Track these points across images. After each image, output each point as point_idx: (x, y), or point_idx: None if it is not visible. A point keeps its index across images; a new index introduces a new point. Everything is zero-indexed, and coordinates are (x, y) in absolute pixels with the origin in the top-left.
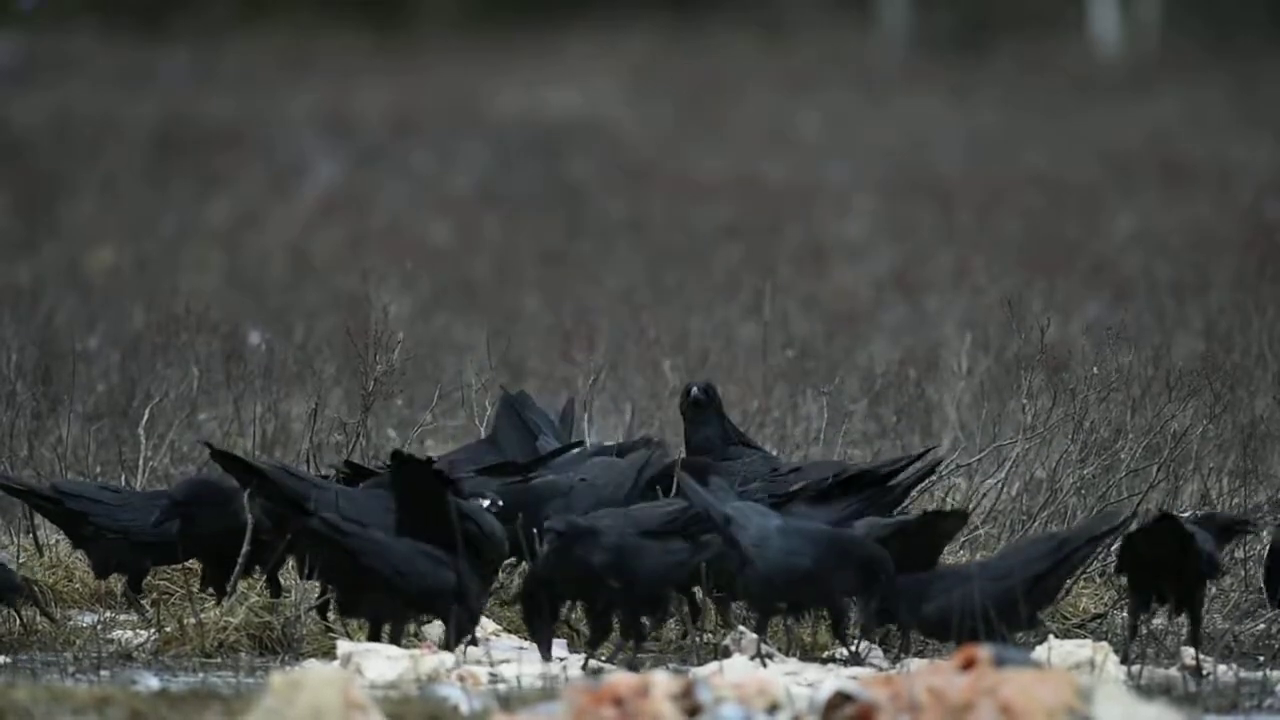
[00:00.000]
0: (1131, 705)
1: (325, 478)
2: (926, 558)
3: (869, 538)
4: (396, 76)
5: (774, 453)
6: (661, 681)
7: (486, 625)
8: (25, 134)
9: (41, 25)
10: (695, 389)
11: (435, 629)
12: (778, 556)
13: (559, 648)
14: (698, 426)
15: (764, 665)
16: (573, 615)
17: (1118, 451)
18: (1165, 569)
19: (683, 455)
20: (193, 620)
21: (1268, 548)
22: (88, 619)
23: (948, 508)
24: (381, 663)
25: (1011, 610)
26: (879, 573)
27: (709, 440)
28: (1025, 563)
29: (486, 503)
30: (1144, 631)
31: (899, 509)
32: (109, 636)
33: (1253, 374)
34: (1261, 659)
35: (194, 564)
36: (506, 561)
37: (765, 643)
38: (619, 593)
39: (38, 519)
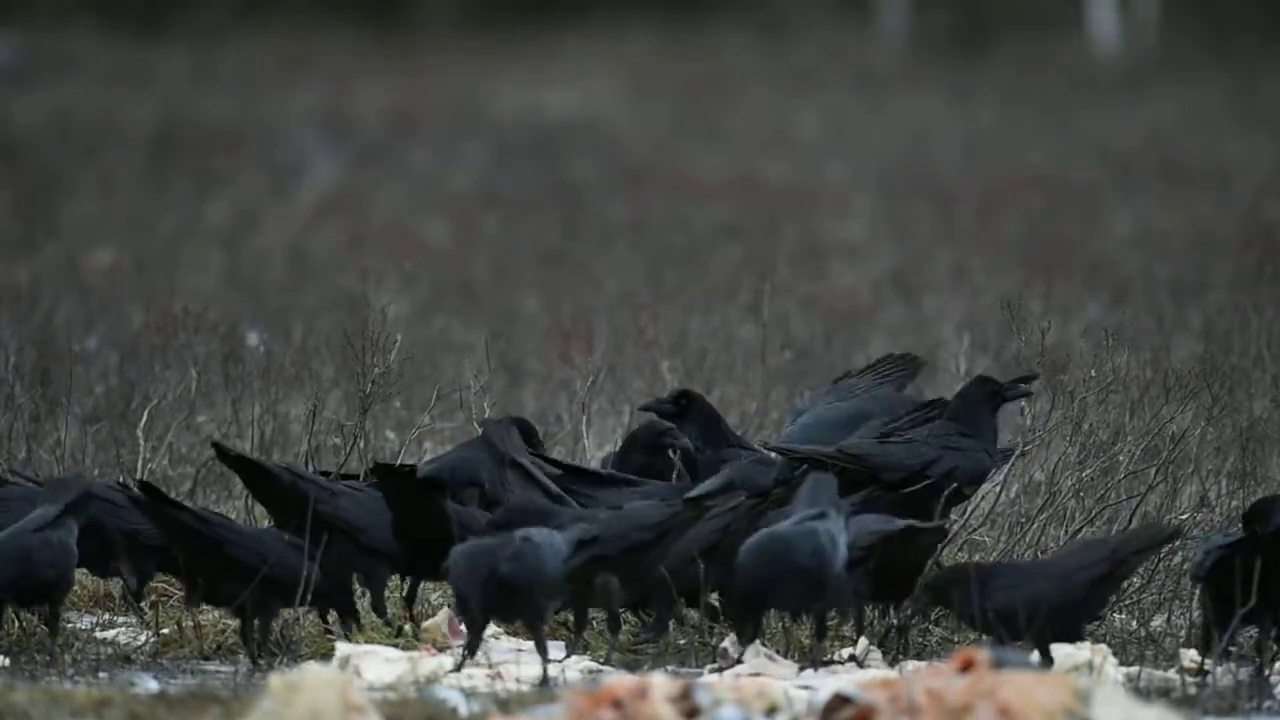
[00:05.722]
0: (1130, 707)
1: (326, 474)
2: (911, 567)
3: (855, 544)
4: (396, 76)
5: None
6: (660, 683)
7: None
8: (25, 134)
9: (41, 25)
10: (660, 402)
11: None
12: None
13: (555, 649)
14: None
15: (772, 660)
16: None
17: (1116, 454)
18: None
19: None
20: (190, 623)
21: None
22: (86, 621)
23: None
24: (380, 664)
25: (1072, 613)
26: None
27: (691, 444)
28: (1083, 566)
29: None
30: (1143, 634)
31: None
32: (107, 638)
33: (1251, 376)
34: (1260, 660)
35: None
36: None
37: (765, 644)
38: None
39: None
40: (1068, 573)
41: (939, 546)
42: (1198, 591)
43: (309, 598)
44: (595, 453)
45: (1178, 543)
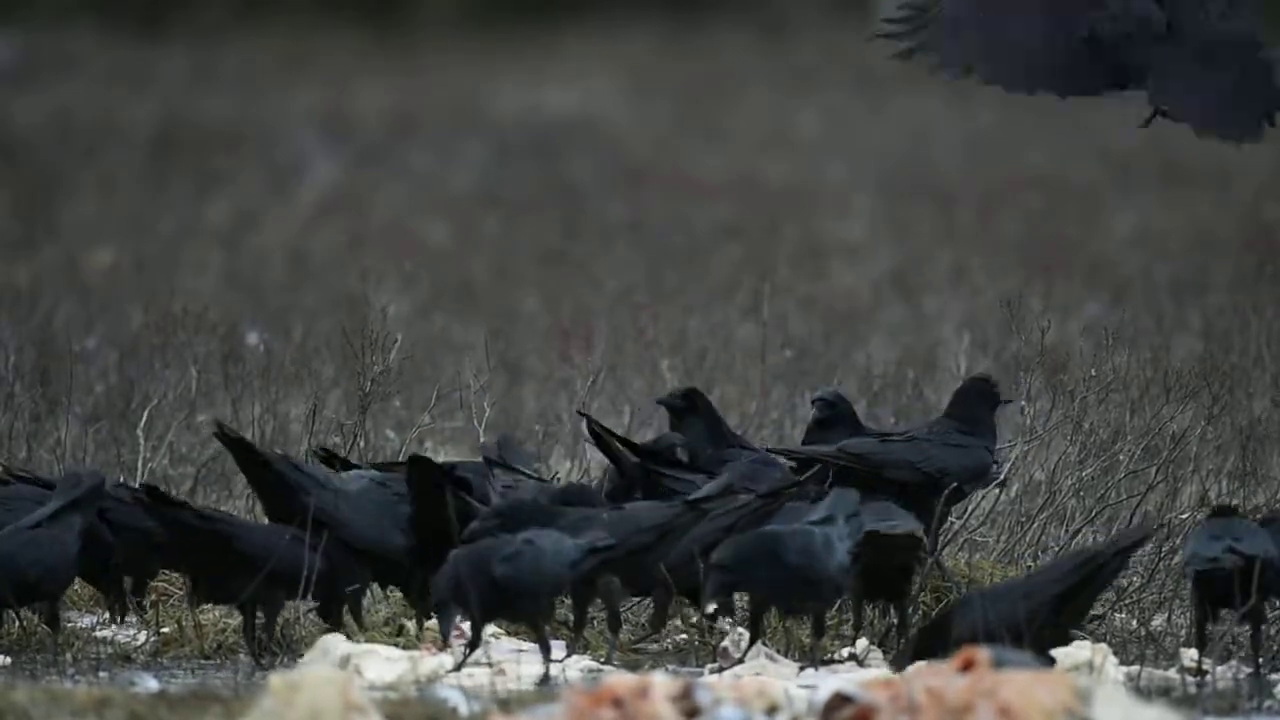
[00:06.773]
0: (1130, 707)
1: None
2: (896, 571)
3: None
4: (396, 76)
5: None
6: (660, 683)
7: (486, 627)
8: (25, 134)
9: (41, 25)
10: (671, 397)
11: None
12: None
13: (556, 648)
14: (679, 430)
15: (773, 659)
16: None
17: (1116, 453)
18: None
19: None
20: (191, 622)
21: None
22: (86, 620)
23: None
24: (380, 664)
25: (1047, 626)
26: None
27: (693, 443)
28: (1051, 580)
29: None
30: (1143, 633)
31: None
32: (107, 637)
33: (1251, 375)
34: (1261, 660)
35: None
36: None
37: (765, 644)
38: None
39: None
40: (1033, 589)
41: (924, 554)
42: (1190, 587)
43: (311, 595)
44: (595, 452)
45: (1177, 542)
